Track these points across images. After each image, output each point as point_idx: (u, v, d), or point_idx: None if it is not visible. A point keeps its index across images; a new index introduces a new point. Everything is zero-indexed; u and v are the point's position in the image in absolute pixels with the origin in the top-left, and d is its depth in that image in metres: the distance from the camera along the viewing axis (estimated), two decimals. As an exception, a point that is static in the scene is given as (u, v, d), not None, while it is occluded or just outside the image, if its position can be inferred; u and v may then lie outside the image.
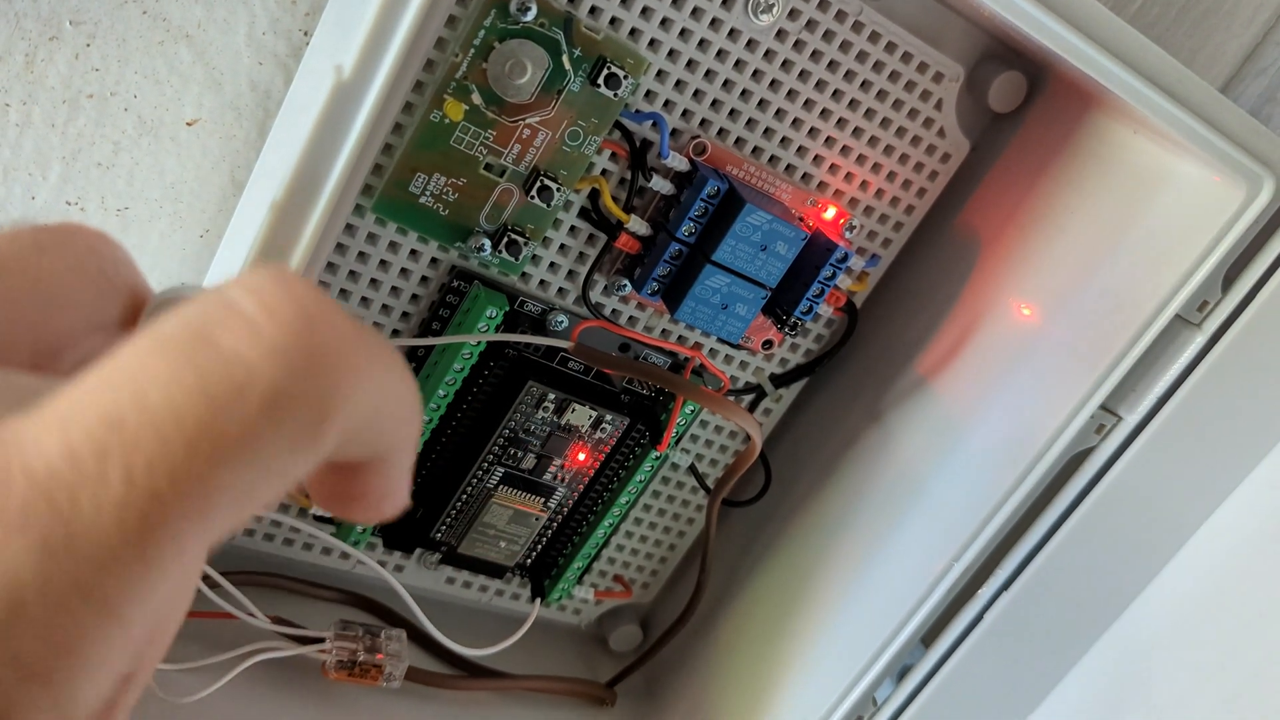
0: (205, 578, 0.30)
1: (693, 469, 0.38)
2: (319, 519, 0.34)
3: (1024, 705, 0.36)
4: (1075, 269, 0.32)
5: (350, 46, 0.21)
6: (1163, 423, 0.29)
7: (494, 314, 0.30)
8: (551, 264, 0.32)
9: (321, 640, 0.32)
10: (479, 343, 0.31)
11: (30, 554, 0.10)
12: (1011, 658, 0.34)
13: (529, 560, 0.36)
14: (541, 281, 0.32)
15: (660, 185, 0.31)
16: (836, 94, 0.32)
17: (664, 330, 0.35)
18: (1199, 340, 0.29)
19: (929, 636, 0.34)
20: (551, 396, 0.32)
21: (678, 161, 0.31)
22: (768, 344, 0.36)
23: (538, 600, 0.37)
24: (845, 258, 0.33)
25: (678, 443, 0.36)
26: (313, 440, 0.11)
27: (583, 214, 0.32)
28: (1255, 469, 0.31)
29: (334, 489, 0.14)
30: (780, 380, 0.37)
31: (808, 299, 0.33)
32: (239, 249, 0.24)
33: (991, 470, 0.32)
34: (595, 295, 0.33)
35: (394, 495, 0.14)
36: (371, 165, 0.27)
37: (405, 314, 0.32)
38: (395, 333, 0.32)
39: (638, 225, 0.31)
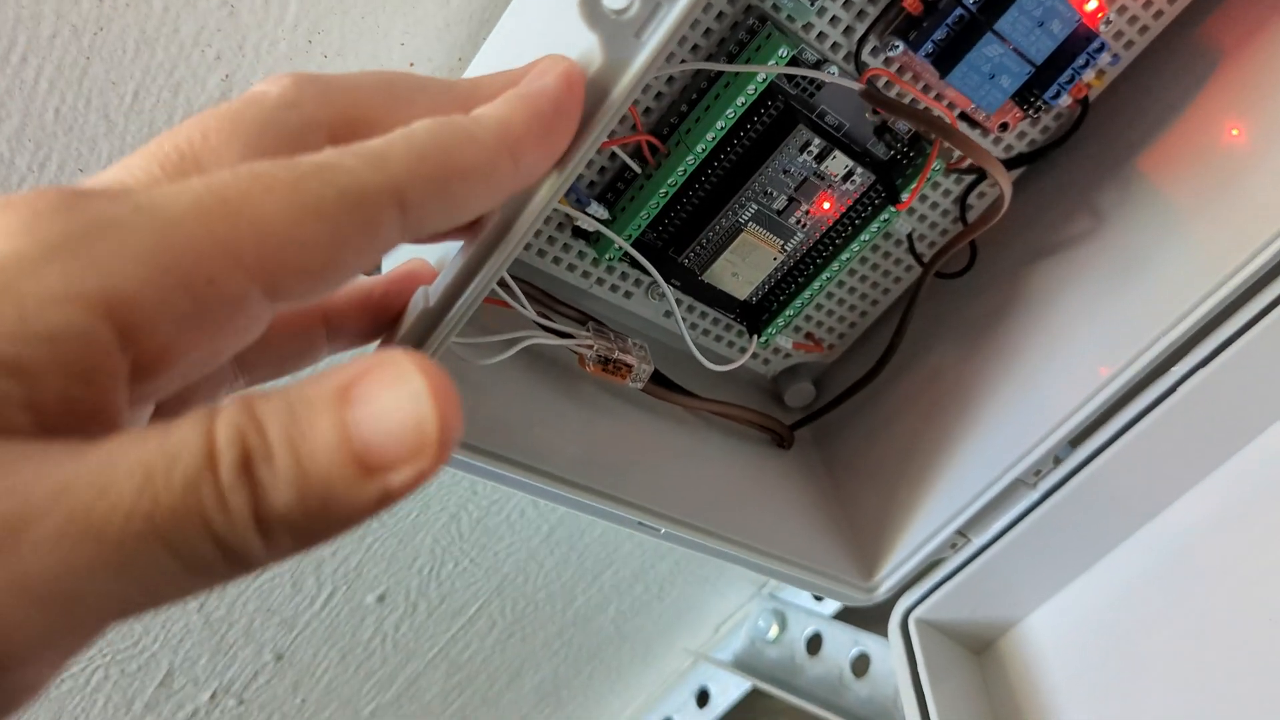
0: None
1: (910, 237, 0.41)
2: (577, 233, 0.38)
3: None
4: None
5: None
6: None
7: (784, 54, 0.33)
8: (834, 17, 0.35)
9: (585, 336, 0.36)
10: (764, 78, 0.33)
11: None
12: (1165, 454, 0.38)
13: (755, 299, 0.40)
14: (820, 34, 0.35)
15: (956, -50, 0.33)
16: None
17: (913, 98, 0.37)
18: None
19: (1079, 438, 0.37)
20: (816, 142, 0.35)
21: (976, -71, 0.33)
22: (1004, 125, 0.38)
23: (754, 337, 0.40)
24: (1102, 48, 0.35)
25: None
26: None
27: (875, -29, 0.34)
28: None
29: None
30: (1006, 164, 0.39)
31: (1058, 84, 0.36)
32: None
33: (1204, 262, 0.35)
34: (864, 54, 0.35)
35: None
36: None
37: (695, 46, 0.34)
38: (682, 60, 0.34)
39: (925, -12, 0.33)
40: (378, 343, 0.28)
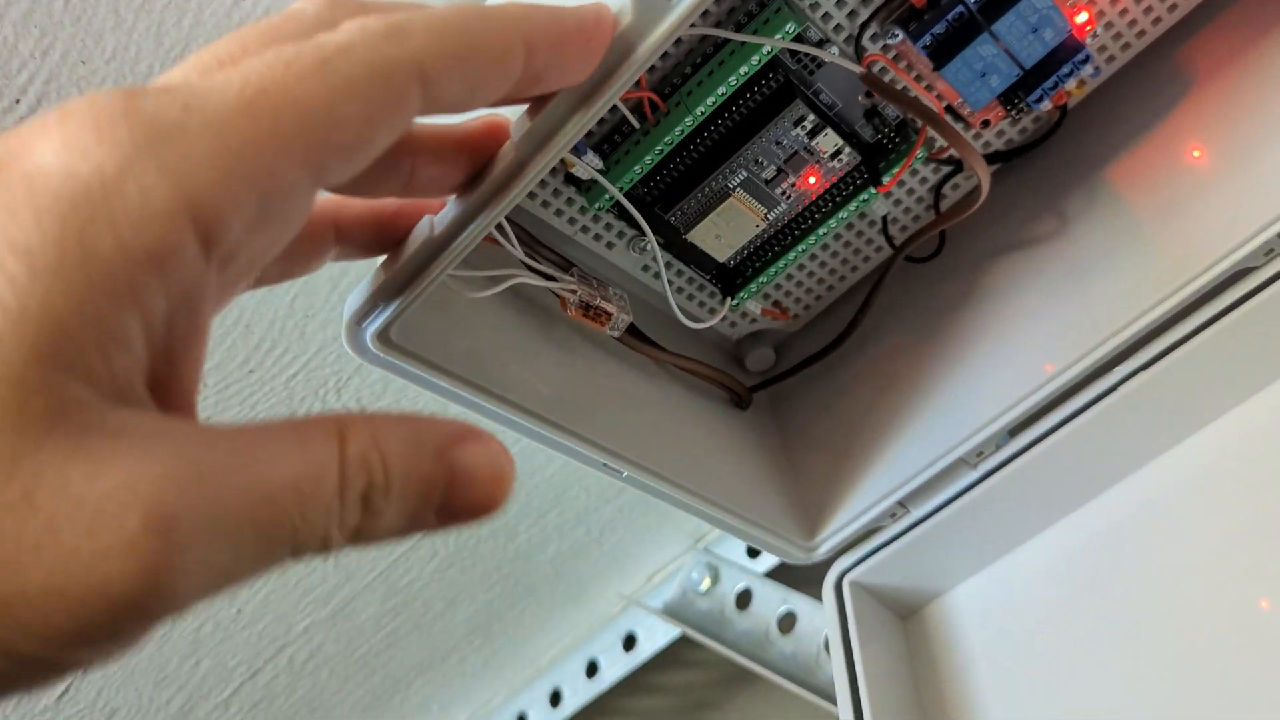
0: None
1: (884, 219, 0.43)
2: (570, 179, 0.39)
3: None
4: (1271, 120, 0.37)
5: None
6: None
7: (791, 29, 0.34)
8: (840, 0, 0.36)
9: (569, 281, 0.37)
10: (768, 51, 0.35)
11: None
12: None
13: (733, 263, 0.41)
14: (825, 14, 0.36)
15: (964, -50, 0.34)
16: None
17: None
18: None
19: (1020, 427, 0.39)
20: (810, 119, 0.37)
21: (985, -68, 0.34)
22: (986, 123, 0.40)
23: (727, 299, 0.42)
24: (1087, 59, 0.37)
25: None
26: None
27: (885, -40, 0.35)
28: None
29: None
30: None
31: (1042, 89, 0.38)
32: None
33: (1154, 276, 0.37)
34: (865, 39, 0.37)
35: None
36: None
37: (706, 11, 0.35)
38: (693, 24, 0.35)
39: (931, -18, 0.35)
40: (382, 259, 0.29)
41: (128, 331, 0.15)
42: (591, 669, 0.68)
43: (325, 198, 0.25)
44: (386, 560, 0.61)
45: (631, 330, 0.39)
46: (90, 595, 0.14)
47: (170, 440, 0.15)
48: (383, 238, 0.28)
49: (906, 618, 0.44)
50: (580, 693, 0.68)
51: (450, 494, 0.18)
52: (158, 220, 0.15)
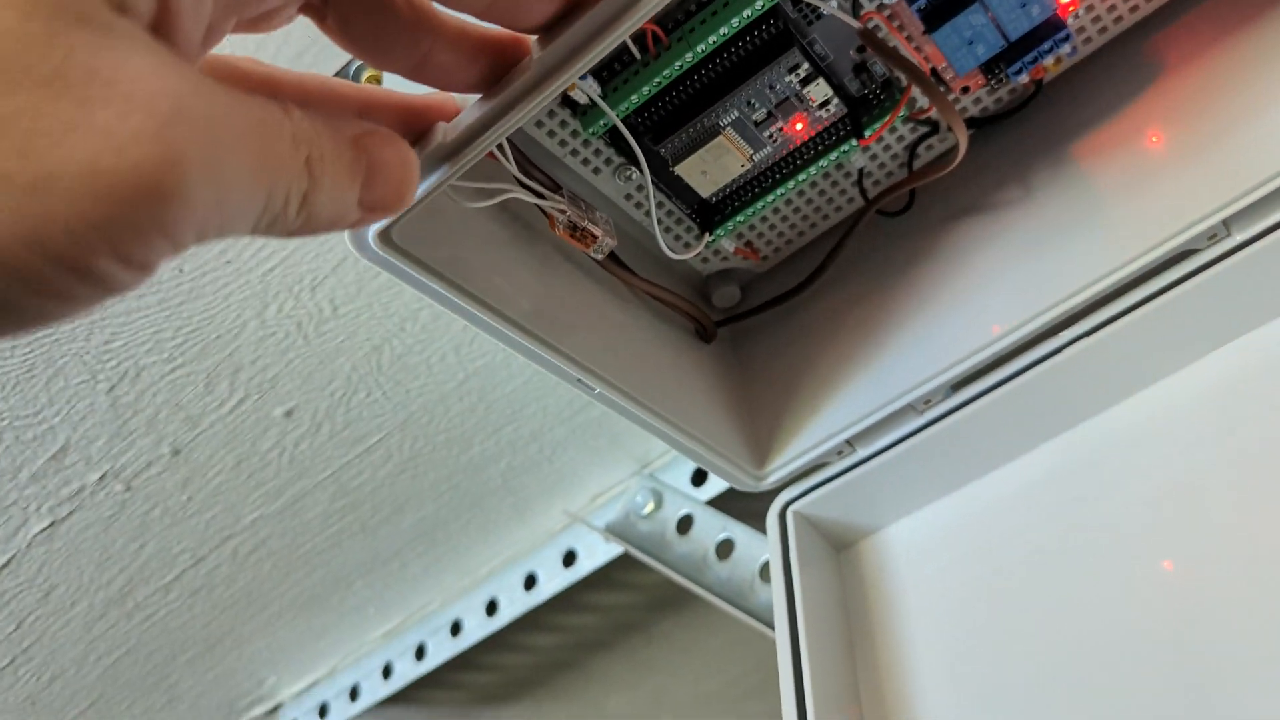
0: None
1: (860, 171, 0.44)
2: (567, 102, 0.40)
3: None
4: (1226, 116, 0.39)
5: None
6: (1271, 244, 0.37)
7: (796, -21, 0.36)
8: (844, -45, 0.37)
9: (560, 200, 0.38)
10: (773, -1, 0.36)
11: None
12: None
13: (714, 199, 0.43)
14: (828, -32, 0.38)
15: (967, -80, 0.36)
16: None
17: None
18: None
19: (961, 383, 0.42)
20: (804, 67, 0.38)
21: (988, -95, 0.36)
22: (965, 89, 0.42)
23: (704, 234, 0.44)
24: (1067, 38, 0.39)
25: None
26: None
27: (891, -79, 0.37)
28: None
29: None
30: (958, 124, 0.43)
31: (1022, 62, 0.40)
32: None
33: (1105, 249, 0.40)
34: (863, -4, 0.38)
35: None
36: None
37: (716, -47, 0.37)
38: (702, -34, 0.37)
39: (932, -52, 0.37)
40: None
41: None
42: (530, 581, 0.71)
43: (357, 86, 0.27)
44: (341, 460, 0.62)
45: (611, 255, 0.41)
46: (119, 178, 0.15)
47: (175, 61, 0.17)
48: (405, 129, 0.29)
49: (841, 550, 0.47)
50: (516, 603, 0.71)
51: (369, 183, 0.21)
52: None
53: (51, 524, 0.61)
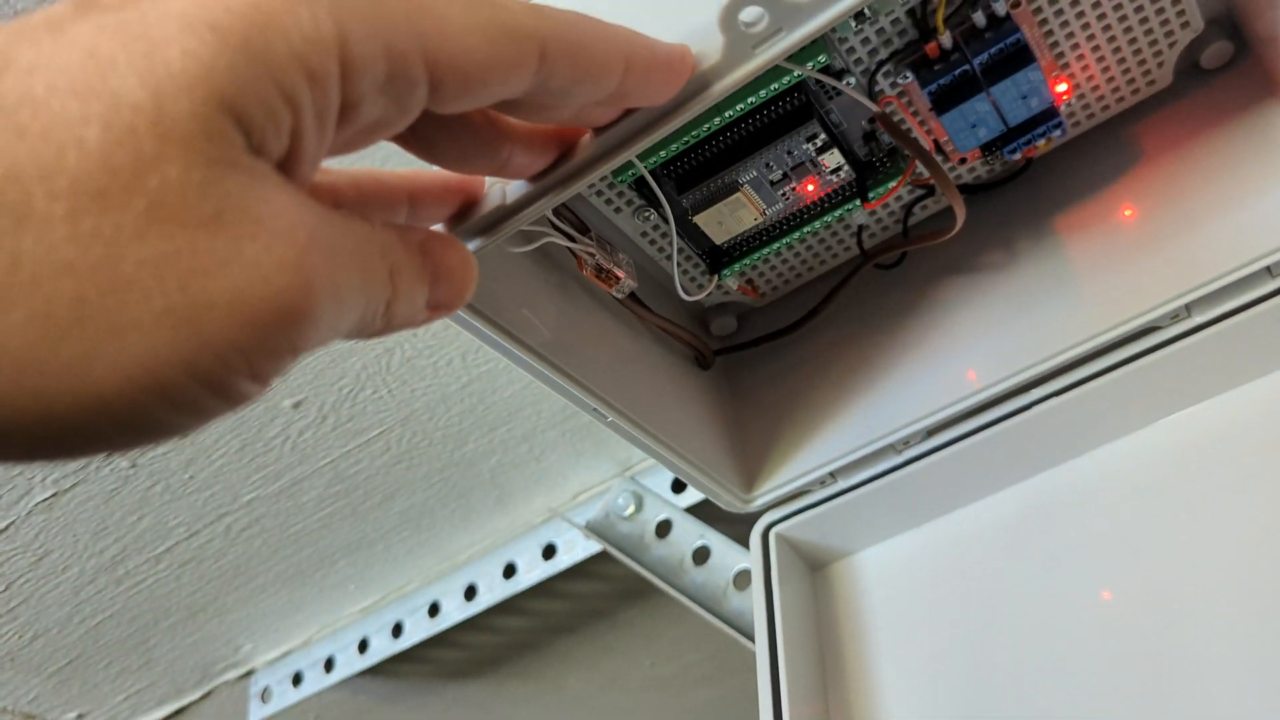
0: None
1: (860, 228, 0.48)
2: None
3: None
4: (1196, 206, 0.43)
5: None
6: (1226, 329, 0.41)
7: (822, 59, 0.39)
8: (865, 38, 0.41)
9: (589, 244, 0.41)
10: (798, 74, 0.39)
11: None
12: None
13: (725, 246, 0.46)
14: (850, 48, 0.41)
15: (978, 19, 0.40)
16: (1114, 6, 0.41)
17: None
18: None
19: (937, 429, 0.46)
20: (821, 137, 0.42)
21: (999, 7, 0.39)
22: (963, 160, 0.46)
23: (714, 276, 0.47)
24: (1059, 125, 0.43)
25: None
26: None
27: (910, 13, 0.40)
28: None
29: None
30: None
31: (1018, 144, 0.43)
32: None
33: (1082, 313, 0.44)
34: (879, 74, 0.42)
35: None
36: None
37: (750, 29, 0.40)
38: (736, 40, 0.40)
39: (945, 39, 0.40)
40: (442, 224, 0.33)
41: (280, 118, 0.18)
42: (509, 570, 0.74)
43: (400, 174, 0.29)
44: (340, 449, 0.65)
45: (629, 293, 0.44)
46: (265, 305, 0.17)
47: (302, 194, 0.19)
48: (453, 205, 0.32)
49: (816, 569, 0.51)
50: (495, 590, 0.74)
51: (435, 285, 0.23)
52: (322, 44, 0.18)
53: (54, 495, 0.63)
